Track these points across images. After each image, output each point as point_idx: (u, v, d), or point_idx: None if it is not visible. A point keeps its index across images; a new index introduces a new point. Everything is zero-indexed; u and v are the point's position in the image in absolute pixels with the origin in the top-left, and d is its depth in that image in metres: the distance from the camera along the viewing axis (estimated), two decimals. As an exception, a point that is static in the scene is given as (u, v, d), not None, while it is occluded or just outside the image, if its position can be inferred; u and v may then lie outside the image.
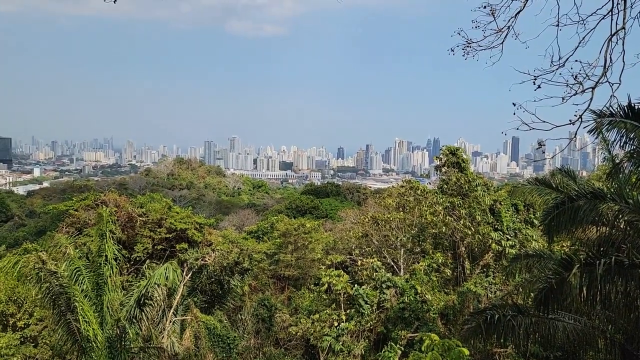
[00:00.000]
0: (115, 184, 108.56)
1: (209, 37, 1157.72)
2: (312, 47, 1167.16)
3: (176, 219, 27.73)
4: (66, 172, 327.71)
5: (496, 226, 24.64)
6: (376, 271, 23.09)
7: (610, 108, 10.16)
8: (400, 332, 20.70)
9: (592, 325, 12.40)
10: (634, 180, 11.68)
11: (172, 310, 21.57)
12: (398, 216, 26.26)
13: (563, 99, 7.20)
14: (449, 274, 24.56)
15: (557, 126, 7.25)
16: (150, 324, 17.74)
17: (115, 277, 17.19)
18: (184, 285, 23.33)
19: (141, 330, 17.06)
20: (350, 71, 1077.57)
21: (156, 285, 16.60)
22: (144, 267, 19.77)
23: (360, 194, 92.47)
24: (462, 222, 24.50)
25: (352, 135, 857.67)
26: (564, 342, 12.26)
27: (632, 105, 10.71)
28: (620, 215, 10.96)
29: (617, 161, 13.98)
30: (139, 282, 17.79)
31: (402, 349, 19.87)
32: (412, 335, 20.40)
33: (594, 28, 7.01)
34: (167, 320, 20.91)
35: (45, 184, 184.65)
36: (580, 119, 7.41)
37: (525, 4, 7.24)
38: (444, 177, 26.91)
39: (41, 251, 17.74)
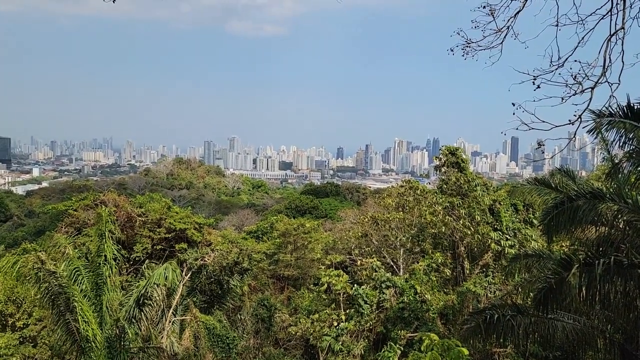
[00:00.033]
0: (115, 184, 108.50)
1: (209, 37, 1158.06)
2: (312, 47, 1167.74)
3: (175, 219, 27.73)
4: (65, 172, 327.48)
5: (495, 226, 24.65)
6: (376, 271, 23.10)
7: (610, 108, 10.17)
8: (400, 332, 20.71)
9: (591, 325, 12.41)
10: (633, 180, 11.69)
11: (171, 310, 21.56)
12: (397, 216, 26.27)
13: (562, 99, 7.20)
14: (448, 273, 24.57)
15: (556, 126, 7.25)
16: (150, 324, 17.73)
17: (114, 277, 17.19)
18: (183, 285, 23.33)
19: (140, 330, 17.06)
20: (350, 71, 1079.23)
21: (155, 285, 16.59)
22: (143, 267, 19.76)
23: (360, 194, 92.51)
24: (461, 222, 24.52)
25: (351, 135, 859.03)
26: (563, 342, 12.27)
27: (632, 105, 10.73)
28: (619, 215, 10.97)
29: (616, 161, 14.00)
30: (139, 282, 17.78)
31: (402, 348, 19.88)
32: (412, 335, 20.40)
33: (593, 28, 7.01)
34: (166, 320, 20.91)
35: (45, 184, 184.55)
36: (579, 119, 7.42)
37: (524, 4, 7.24)
38: (443, 177, 26.93)
39: (40, 251, 17.75)
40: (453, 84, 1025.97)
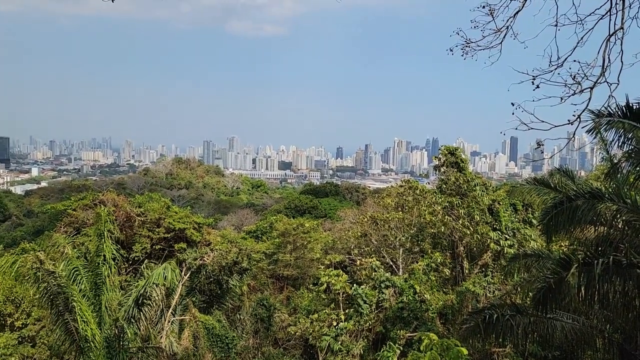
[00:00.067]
0: (114, 183, 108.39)
1: (209, 37, 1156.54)
2: (312, 47, 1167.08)
3: (175, 218, 27.71)
4: (64, 172, 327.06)
5: (495, 226, 24.67)
6: (375, 271, 23.10)
7: (609, 108, 10.17)
8: (399, 332, 20.71)
9: (590, 325, 12.42)
10: (632, 180, 11.70)
11: (170, 310, 21.56)
12: (397, 216, 26.27)
13: (561, 99, 7.21)
14: (447, 273, 24.58)
15: (555, 126, 7.26)
16: (149, 324, 17.72)
17: (113, 277, 17.17)
18: (182, 285, 23.32)
19: (139, 330, 17.04)
20: (350, 71, 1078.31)
21: (154, 285, 16.58)
22: (142, 266, 19.73)
23: (359, 193, 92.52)
24: (460, 221, 24.53)
25: (351, 135, 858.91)
26: (562, 342, 12.28)
27: (630, 105, 10.74)
28: (618, 215, 10.98)
29: (615, 161, 14.02)
30: (138, 281, 17.76)
31: (401, 348, 19.88)
32: (411, 334, 20.41)
33: (593, 28, 7.01)
34: (165, 320, 20.90)
35: (43, 184, 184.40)
36: (578, 119, 7.42)
37: (523, 4, 7.24)
38: (442, 177, 26.94)
39: (39, 251, 17.73)
40: (453, 84, 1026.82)
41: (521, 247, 23.16)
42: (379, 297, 22.20)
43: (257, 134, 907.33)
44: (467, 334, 12.59)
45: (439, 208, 24.95)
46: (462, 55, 7.73)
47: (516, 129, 7.32)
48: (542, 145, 8.37)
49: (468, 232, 24.39)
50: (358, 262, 24.81)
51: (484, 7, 7.34)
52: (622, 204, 10.73)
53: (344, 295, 22.56)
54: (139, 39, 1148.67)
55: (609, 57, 6.95)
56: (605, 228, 11.86)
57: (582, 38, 7.07)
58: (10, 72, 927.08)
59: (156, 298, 16.83)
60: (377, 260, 24.20)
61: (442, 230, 25.12)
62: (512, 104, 7.12)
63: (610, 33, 6.88)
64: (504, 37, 7.46)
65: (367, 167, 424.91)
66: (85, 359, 15.91)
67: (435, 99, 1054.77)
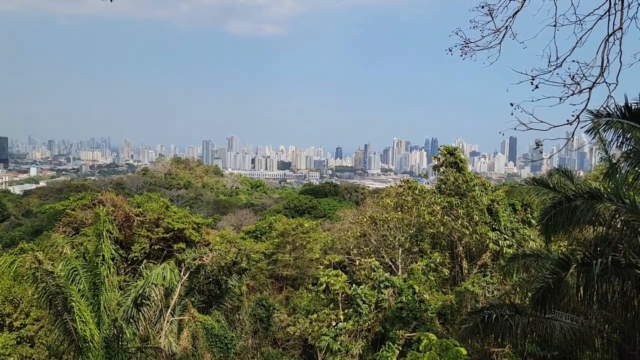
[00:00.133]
0: (113, 183, 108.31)
1: (209, 37, 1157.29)
2: (311, 47, 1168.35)
3: (174, 218, 27.69)
4: (63, 172, 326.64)
5: (494, 226, 24.68)
6: (374, 271, 23.10)
7: (608, 108, 10.17)
8: (398, 332, 20.72)
9: (589, 325, 12.43)
10: (630, 180, 11.70)
11: (169, 310, 21.55)
12: (396, 216, 26.28)
13: (560, 99, 7.21)
14: (446, 273, 24.59)
15: (554, 126, 7.26)
16: (148, 324, 17.70)
17: (112, 277, 17.14)
18: (181, 285, 23.31)
19: (138, 330, 17.03)
20: (349, 71, 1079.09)
21: (153, 285, 16.57)
22: (141, 267, 19.73)
23: (359, 193, 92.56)
24: (459, 221, 24.54)
25: (350, 135, 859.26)
26: (561, 342, 12.29)
27: (629, 105, 10.75)
28: (617, 215, 10.99)
29: (614, 161, 14.03)
30: (136, 282, 17.75)
31: (400, 348, 19.88)
32: (410, 334, 20.41)
33: (591, 28, 7.01)
34: (164, 320, 20.88)
35: (42, 184, 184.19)
36: (577, 119, 7.42)
37: (522, 4, 7.24)
38: (442, 177, 26.96)
39: (38, 251, 17.67)
40: (452, 84, 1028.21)
41: (520, 247, 23.18)
42: (378, 297, 22.20)
43: (257, 134, 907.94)
44: (466, 334, 12.60)
45: (438, 208, 24.96)
46: (461, 56, 7.73)
47: (515, 129, 7.32)
48: (541, 145, 8.36)
49: (467, 232, 24.41)
50: (357, 262, 24.81)
51: (482, 7, 7.34)
52: (621, 204, 10.74)
53: (343, 296, 22.55)
54: (138, 38, 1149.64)
55: (607, 58, 6.95)
56: (604, 228, 11.88)
57: (581, 38, 7.08)
58: (10, 72, 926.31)
59: (155, 298, 16.81)
60: (376, 260, 24.20)
61: (441, 230, 25.13)
62: (511, 104, 7.12)
63: (609, 33, 6.88)
64: (503, 37, 7.46)
65: (366, 167, 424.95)
66: (84, 359, 15.88)
67: (434, 99, 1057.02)
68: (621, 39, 6.90)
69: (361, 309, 21.62)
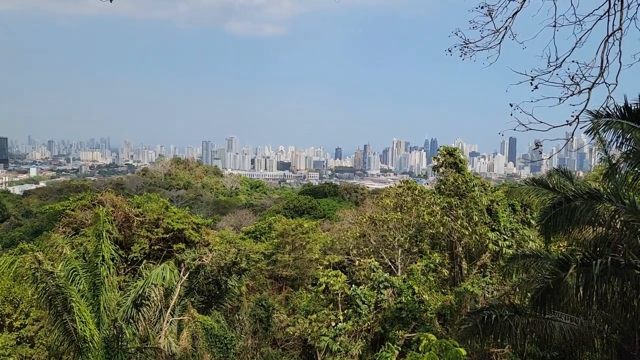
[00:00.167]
0: (112, 183, 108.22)
1: (208, 37, 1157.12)
2: (311, 47, 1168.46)
3: (173, 219, 27.69)
4: (63, 172, 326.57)
5: (493, 226, 24.69)
6: (374, 271, 23.10)
7: (607, 109, 10.18)
8: (398, 332, 20.72)
9: (588, 325, 12.43)
10: (630, 180, 11.71)
11: (169, 311, 21.54)
12: (396, 216, 26.28)
13: (560, 99, 7.21)
14: (446, 274, 24.59)
15: (554, 127, 7.26)
16: (148, 325, 17.70)
17: (112, 278, 17.13)
18: (181, 285, 23.30)
19: (138, 331, 17.03)
20: (349, 71, 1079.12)
21: (153, 286, 16.57)
22: (141, 267, 19.72)
23: (358, 194, 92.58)
24: (459, 222, 24.55)
25: (350, 135, 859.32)
26: (561, 342, 12.30)
27: (629, 106, 10.75)
28: (617, 216, 10.99)
29: (614, 162, 14.04)
30: (136, 282, 17.75)
31: (400, 349, 19.88)
32: (410, 335, 20.41)
33: (591, 29, 7.02)
34: (164, 321, 20.88)
35: (42, 184, 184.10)
36: (577, 120, 7.43)
37: (522, 5, 7.24)
38: (441, 178, 26.97)
39: (37, 251, 17.67)
40: (452, 84, 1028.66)
41: (520, 247, 23.18)
42: (378, 298, 22.20)
43: (256, 135, 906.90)
44: (465, 335, 12.60)
45: (438, 208, 24.97)
46: (461, 56, 7.73)
47: (515, 129, 7.32)
48: (541, 145, 8.36)
49: (467, 233, 24.41)
50: (357, 263, 24.81)
51: (482, 7, 7.34)
52: (621, 205, 10.74)
53: (343, 296, 22.55)
54: (138, 39, 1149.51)
55: (607, 58, 6.96)
56: (604, 229, 11.87)
57: (580, 39, 7.09)
58: (10, 72, 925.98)
59: (155, 298, 16.82)
60: (375, 260, 24.20)
61: (441, 230, 25.13)
62: (510, 104, 7.12)
63: (609, 34, 6.89)
64: (503, 37, 7.47)
65: (365, 168, 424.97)
66: (83, 359, 15.88)
67: (434, 99, 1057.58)
68: (621, 39, 6.90)
69: (361, 309, 21.62)
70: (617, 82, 7.18)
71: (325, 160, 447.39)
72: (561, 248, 20.26)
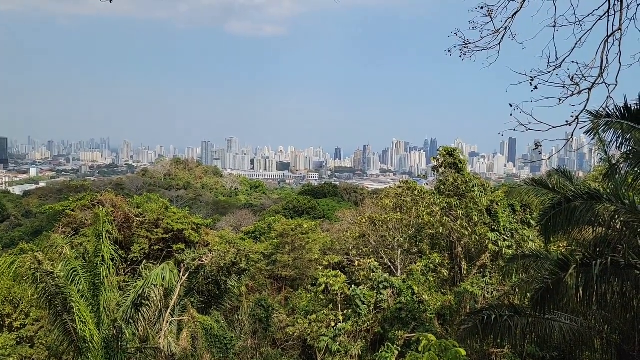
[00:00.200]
0: (112, 184, 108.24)
1: (208, 38, 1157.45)
2: (311, 47, 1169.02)
3: (173, 219, 27.69)
4: (63, 172, 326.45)
5: (493, 227, 24.69)
6: (373, 272, 23.09)
7: (607, 109, 10.19)
8: (397, 333, 20.72)
9: (588, 326, 12.43)
10: (630, 181, 11.72)
11: (169, 311, 21.53)
12: (395, 217, 26.28)
13: (560, 99, 7.22)
14: (445, 274, 24.58)
15: (553, 127, 7.26)
16: (147, 325, 17.70)
17: (112, 278, 17.13)
18: (181, 285, 23.30)
19: (138, 331, 17.02)
20: (349, 71, 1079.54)
21: (153, 286, 16.57)
22: (140, 267, 19.71)
23: (358, 194, 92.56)
24: (459, 222, 24.55)
25: (349, 135, 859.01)
26: (561, 342, 12.29)
27: (629, 106, 10.76)
28: (617, 216, 10.99)
29: (614, 162, 14.04)
30: (136, 282, 17.74)
31: (399, 349, 19.88)
32: (409, 335, 20.41)
33: (591, 29, 7.02)
34: (164, 321, 20.87)
35: (42, 184, 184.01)
36: (576, 120, 7.44)
37: (522, 5, 7.25)
38: (441, 178, 26.96)
39: (37, 251, 17.67)
40: (452, 85, 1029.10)
41: (519, 248, 23.18)
42: (377, 298, 22.20)
43: (256, 135, 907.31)
44: (465, 335, 12.60)
45: (437, 209, 24.96)
46: (461, 56, 7.74)
47: (514, 129, 7.33)
48: (541, 146, 8.36)
49: (466, 233, 24.41)
50: (356, 263, 24.80)
51: (482, 7, 7.35)
52: (620, 205, 10.74)
53: (342, 296, 22.54)
54: (138, 39, 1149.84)
55: (607, 58, 6.96)
56: (604, 229, 11.88)
57: (580, 39, 7.09)
58: (10, 72, 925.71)
59: (154, 299, 16.81)
60: (375, 261, 24.19)
61: (441, 231, 25.13)
62: (510, 105, 7.13)
63: (609, 34, 6.89)
64: (502, 37, 7.48)
65: (365, 168, 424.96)
66: (83, 359, 15.87)
67: (434, 99, 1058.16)
68: (620, 39, 6.91)
69: (360, 309, 21.62)
70: (616, 82, 7.19)
71: (325, 161, 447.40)
72: (561, 248, 20.26)
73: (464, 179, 25.88)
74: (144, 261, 23.44)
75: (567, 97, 7.18)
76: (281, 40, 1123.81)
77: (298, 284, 31.43)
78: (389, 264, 26.21)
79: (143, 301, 16.60)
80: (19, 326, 21.17)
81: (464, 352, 10.56)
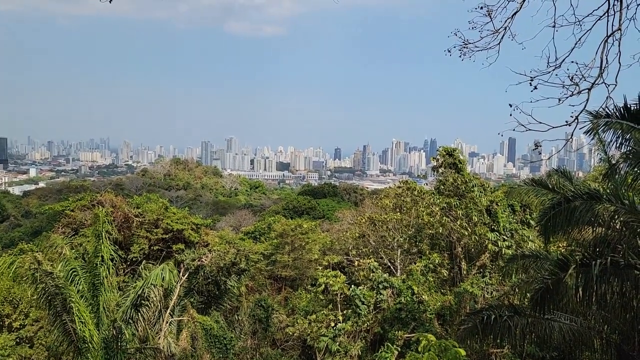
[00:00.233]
0: (112, 184, 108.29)
1: (208, 38, 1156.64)
2: (311, 48, 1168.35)
3: (173, 219, 27.69)
4: (62, 173, 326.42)
5: (493, 227, 24.68)
6: (373, 272, 23.09)
7: (606, 109, 10.19)
8: (397, 333, 20.72)
9: (588, 326, 12.43)
10: (629, 181, 11.72)
11: (168, 311, 21.53)
12: (395, 217, 26.28)
13: (559, 100, 7.21)
14: (445, 274, 24.58)
15: (553, 127, 7.26)
16: (147, 325, 17.70)
17: (111, 278, 17.13)
18: (180, 285, 23.30)
19: (137, 331, 17.02)
20: (348, 71, 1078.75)
21: (152, 286, 16.56)
22: (140, 267, 19.71)
23: (358, 194, 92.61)
24: (458, 222, 24.55)
25: (349, 135, 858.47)
26: (560, 342, 12.29)
27: (628, 106, 10.76)
28: (616, 216, 10.99)
29: (613, 162, 14.04)
30: (136, 282, 17.74)
31: (399, 349, 19.87)
32: (409, 335, 20.41)
33: (590, 29, 7.02)
34: (163, 321, 20.86)
35: (41, 184, 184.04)
36: (576, 120, 7.43)
37: (521, 5, 7.25)
38: (440, 178, 26.94)
39: (37, 252, 17.68)
40: (451, 85, 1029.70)
41: (519, 248, 23.17)
42: (377, 298, 22.19)
43: (256, 135, 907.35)
44: (465, 335, 12.60)
45: (437, 209, 24.97)
46: (460, 56, 7.73)
47: (514, 130, 7.32)
48: (540, 146, 8.35)
49: (466, 233, 24.41)
50: (356, 263, 24.80)
51: (481, 8, 7.35)
52: (620, 205, 10.74)
53: (342, 296, 22.54)
54: (138, 39, 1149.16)
55: (606, 59, 6.96)
56: (603, 229, 11.87)
57: (579, 39, 7.09)
58: (10, 72, 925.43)
59: (154, 299, 16.81)
60: (375, 261, 24.19)
61: (440, 231, 25.13)
62: (510, 105, 7.12)
63: (608, 34, 6.89)
64: (502, 38, 7.47)
65: (365, 168, 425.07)
66: (82, 359, 15.86)
67: (434, 99, 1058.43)
68: (620, 39, 6.91)
69: (360, 309, 21.61)
70: (616, 82, 7.19)
71: (325, 161, 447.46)
72: (560, 248, 20.26)
73: (463, 179, 25.87)
74: (144, 261, 23.44)
75: (567, 97, 7.18)
76: (281, 40, 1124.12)
77: (298, 284, 31.43)
78: (389, 264, 26.21)
79: (143, 301, 16.59)
80: (18, 326, 21.16)
81: (463, 352, 10.57)
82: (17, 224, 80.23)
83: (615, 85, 7.20)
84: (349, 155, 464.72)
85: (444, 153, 26.80)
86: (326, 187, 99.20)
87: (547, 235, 12.35)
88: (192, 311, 23.30)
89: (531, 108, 7.01)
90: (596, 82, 7.08)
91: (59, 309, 15.75)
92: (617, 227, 11.65)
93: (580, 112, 7.35)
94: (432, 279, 23.84)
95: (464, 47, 7.70)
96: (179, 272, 23.29)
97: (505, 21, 7.36)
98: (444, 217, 24.78)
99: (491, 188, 31.08)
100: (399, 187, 29.28)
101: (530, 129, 7.25)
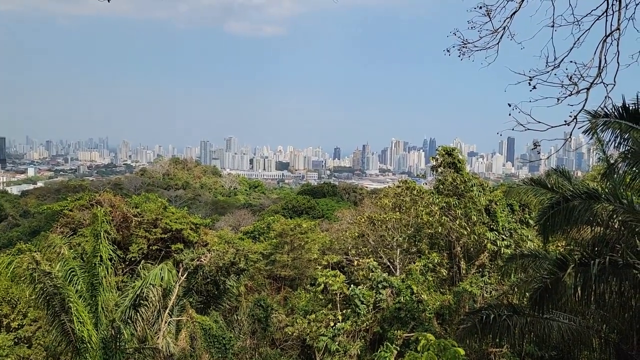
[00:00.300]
0: (110, 184, 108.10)
1: (208, 37, 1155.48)
2: (311, 48, 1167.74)
3: (172, 219, 27.67)
4: (61, 172, 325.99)
5: (492, 226, 24.70)
6: (372, 271, 23.10)
7: (605, 109, 10.20)
8: (396, 332, 20.72)
9: (586, 325, 12.45)
10: (628, 180, 11.73)
11: (167, 311, 21.52)
12: (394, 216, 26.29)
13: (558, 99, 7.22)
14: (444, 273, 24.60)
15: (552, 127, 7.26)
16: (146, 325, 17.69)
17: (110, 278, 17.12)
18: (179, 285, 23.28)
19: (136, 331, 17.01)
20: (348, 71, 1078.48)
21: (151, 286, 16.55)
22: (139, 267, 19.70)
23: (357, 194, 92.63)
24: (457, 222, 24.56)
25: (348, 135, 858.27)
26: (559, 342, 12.31)
27: (627, 106, 10.78)
28: (615, 216, 11.00)
29: (612, 161, 14.06)
30: (134, 282, 17.73)
31: (398, 348, 19.87)
32: (408, 335, 20.42)
33: (589, 29, 7.03)
34: (162, 321, 20.85)
35: (40, 184, 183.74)
36: (575, 120, 7.43)
37: (520, 5, 7.25)
38: (440, 178, 26.95)
39: (35, 251, 17.63)
40: (451, 85, 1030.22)
41: (518, 247, 23.19)
42: (376, 298, 22.20)
43: (255, 135, 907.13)
44: (464, 334, 12.60)
45: (436, 208, 24.98)
46: (459, 56, 7.74)
47: (513, 129, 7.32)
48: (539, 145, 8.36)
49: (465, 233, 24.42)
50: (355, 263, 24.81)
51: (481, 7, 7.35)
52: (619, 205, 10.75)
53: (342, 296, 22.54)
54: (138, 39, 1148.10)
55: (605, 58, 6.96)
56: (602, 228, 11.88)
57: (578, 39, 7.09)
58: (9, 72, 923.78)
59: (153, 299, 16.80)
60: (374, 260, 24.20)
61: (439, 230, 25.15)
62: (509, 104, 7.12)
63: (607, 34, 6.90)
64: (501, 37, 7.48)
65: (364, 168, 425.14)
66: (81, 359, 15.85)
67: (433, 99, 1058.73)
68: (619, 39, 6.91)
69: (359, 309, 21.62)
70: (615, 82, 7.19)
71: (324, 160, 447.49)
72: (559, 248, 20.29)
73: (462, 178, 25.89)
74: (143, 261, 23.42)
75: (566, 97, 7.19)
76: (281, 40, 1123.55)
77: (297, 284, 31.43)
78: (388, 263, 26.22)
79: (141, 301, 16.58)
80: (16, 326, 21.14)
81: (462, 352, 10.57)
82: (15, 224, 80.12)
83: (614, 84, 7.21)
84: (349, 154, 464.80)
85: (443, 152, 26.81)
86: (325, 187, 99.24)
87: (546, 235, 12.36)
88: (191, 311, 23.29)
89: (530, 108, 7.02)
90: (595, 82, 7.08)
91: (58, 308, 15.72)
92: (616, 226, 11.67)
93: (579, 112, 7.35)
94: (431, 279, 23.85)
95: (463, 47, 7.71)
96: (178, 271, 23.28)
97: (504, 21, 7.38)
98: (443, 217, 24.79)
99: (490, 187, 31.13)
100: (398, 186, 29.29)
101: (529, 129, 7.26)
